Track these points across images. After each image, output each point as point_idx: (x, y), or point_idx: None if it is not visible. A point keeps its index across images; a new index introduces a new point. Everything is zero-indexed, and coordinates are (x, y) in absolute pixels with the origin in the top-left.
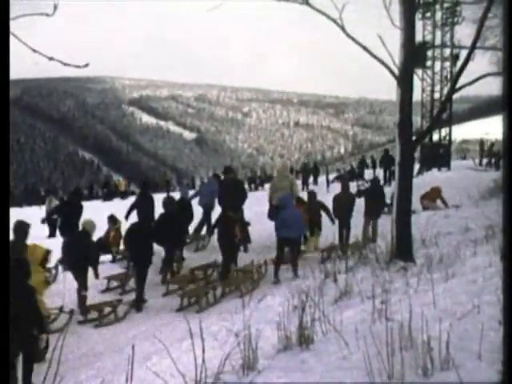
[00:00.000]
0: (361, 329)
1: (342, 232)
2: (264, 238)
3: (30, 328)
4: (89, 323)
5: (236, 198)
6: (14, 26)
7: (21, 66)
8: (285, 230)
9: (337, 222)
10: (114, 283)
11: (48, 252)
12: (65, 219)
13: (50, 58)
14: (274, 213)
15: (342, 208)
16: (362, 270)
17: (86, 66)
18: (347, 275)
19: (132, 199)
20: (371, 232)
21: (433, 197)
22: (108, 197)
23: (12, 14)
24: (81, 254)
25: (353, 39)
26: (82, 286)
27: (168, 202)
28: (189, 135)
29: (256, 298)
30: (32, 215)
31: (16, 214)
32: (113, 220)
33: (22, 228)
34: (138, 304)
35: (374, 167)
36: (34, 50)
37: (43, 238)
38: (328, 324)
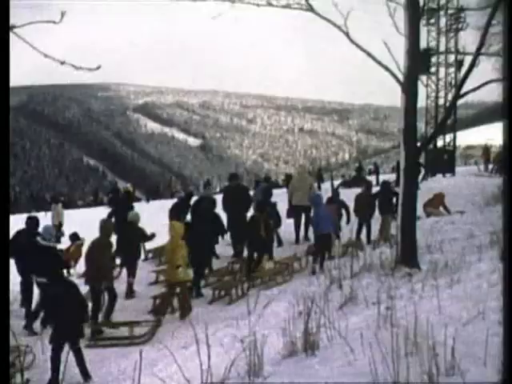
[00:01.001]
0: (366, 335)
1: (361, 230)
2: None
3: None
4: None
5: (241, 204)
6: (19, 31)
7: (26, 72)
8: (320, 226)
9: (356, 220)
10: (162, 277)
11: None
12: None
13: (62, 62)
14: (292, 212)
15: (363, 207)
16: (366, 276)
17: (98, 68)
18: (352, 281)
19: (138, 205)
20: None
21: (436, 203)
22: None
23: (20, 21)
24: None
25: (357, 46)
26: (132, 273)
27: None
28: (194, 142)
29: (261, 303)
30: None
31: (21, 220)
32: (75, 237)
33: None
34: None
35: (378, 173)
36: (46, 55)
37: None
38: (333, 330)
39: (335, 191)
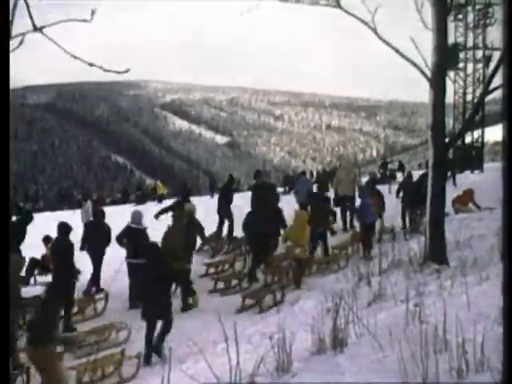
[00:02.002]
0: (395, 332)
1: (405, 216)
2: None
3: None
4: None
5: (268, 201)
6: (47, 30)
7: (54, 71)
8: (363, 216)
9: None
10: (211, 270)
11: None
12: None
13: (91, 64)
14: (338, 202)
15: (407, 194)
16: (395, 273)
17: (127, 71)
18: (381, 278)
19: (168, 202)
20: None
21: (465, 200)
22: (141, 200)
23: (49, 20)
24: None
25: (385, 42)
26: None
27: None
28: (221, 139)
29: (289, 301)
30: (66, 219)
31: (51, 217)
32: (47, 240)
33: None
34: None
35: (403, 170)
36: (75, 57)
37: None
38: (362, 327)
39: (372, 183)
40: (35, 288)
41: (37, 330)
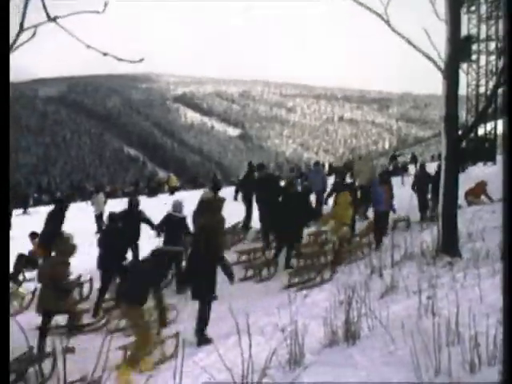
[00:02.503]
0: (407, 324)
1: (421, 206)
2: None
3: None
4: None
5: (269, 194)
6: (61, 21)
7: (66, 63)
8: (378, 204)
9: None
10: (243, 257)
11: None
12: None
13: (105, 54)
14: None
15: (421, 184)
16: (407, 265)
17: (141, 61)
18: (393, 270)
19: (181, 194)
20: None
21: (478, 192)
22: (152, 193)
23: (64, 12)
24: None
25: (398, 33)
26: None
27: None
28: (233, 131)
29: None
30: (79, 211)
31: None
32: (34, 236)
33: None
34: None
35: (416, 162)
36: (89, 46)
37: None
38: (374, 319)
39: (386, 173)
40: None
41: (130, 292)
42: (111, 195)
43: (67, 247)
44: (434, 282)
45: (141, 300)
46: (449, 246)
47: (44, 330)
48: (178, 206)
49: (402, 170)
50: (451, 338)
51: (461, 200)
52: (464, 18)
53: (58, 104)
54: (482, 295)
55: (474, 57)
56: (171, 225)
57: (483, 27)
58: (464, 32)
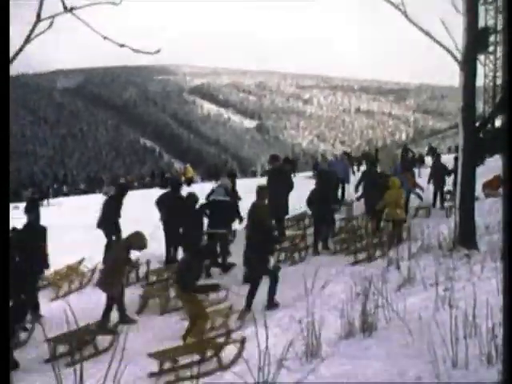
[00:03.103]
0: (424, 316)
1: (436, 196)
2: None
3: None
4: None
5: (281, 188)
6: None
7: (82, 55)
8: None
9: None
10: (285, 244)
11: None
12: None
13: (121, 45)
14: None
15: (437, 175)
16: (424, 257)
17: (157, 52)
18: (410, 262)
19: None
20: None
21: (495, 184)
22: (165, 184)
23: (79, 3)
24: None
25: (415, 24)
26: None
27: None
28: (250, 123)
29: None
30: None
31: (81, 200)
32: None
33: None
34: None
35: (433, 154)
36: (105, 37)
37: None
38: (391, 311)
39: (407, 162)
40: None
41: (184, 279)
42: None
43: (142, 243)
44: (451, 275)
45: (190, 286)
46: (466, 238)
47: (110, 305)
48: (221, 190)
49: (418, 162)
50: (468, 330)
51: (478, 192)
52: (481, 8)
53: (75, 95)
54: (499, 287)
55: (491, 48)
56: (216, 208)
57: (500, 18)
58: (481, 23)
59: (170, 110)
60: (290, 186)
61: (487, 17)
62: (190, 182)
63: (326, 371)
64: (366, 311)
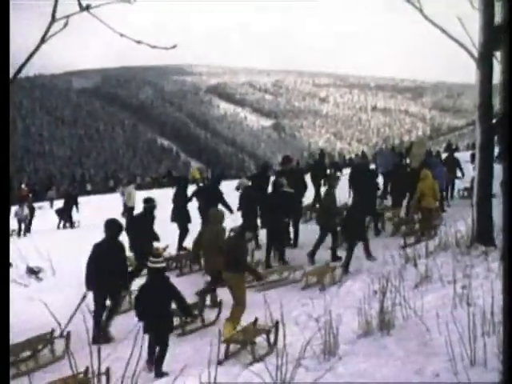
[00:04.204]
0: (442, 314)
1: (448, 188)
2: None
3: None
4: None
5: (295, 189)
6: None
7: (99, 55)
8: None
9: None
10: None
11: None
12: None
13: (138, 42)
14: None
15: (449, 167)
16: (442, 255)
17: (174, 47)
18: (427, 260)
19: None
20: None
21: None
22: (173, 185)
23: (95, 2)
24: None
25: (432, 22)
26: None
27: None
28: (266, 121)
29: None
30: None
31: (99, 200)
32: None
33: None
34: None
35: (455, 150)
36: (122, 35)
37: None
38: (409, 309)
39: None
40: None
41: (232, 260)
42: (144, 187)
43: (221, 217)
44: (468, 272)
45: (237, 269)
46: (483, 235)
47: (214, 286)
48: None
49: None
50: (486, 328)
51: (496, 189)
52: (498, 5)
53: (92, 96)
54: None
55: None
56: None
57: None
58: (498, 20)
59: (186, 109)
60: (305, 187)
61: (504, 13)
62: (196, 183)
63: (343, 370)
64: (383, 309)
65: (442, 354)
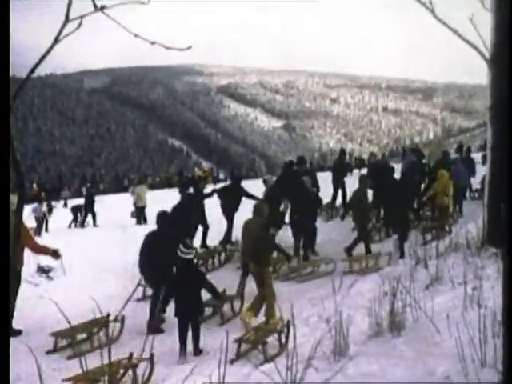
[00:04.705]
0: (452, 315)
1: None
2: None
3: None
4: None
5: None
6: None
7: (110, 55)
8: (458, 180)
9: None
10: None
11: None
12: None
13: (153, 43)
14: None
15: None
16: (453, 256)
17: (189, 48)
18: (438, 261)
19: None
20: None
21: None
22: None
23: (108, 2)
24: None
25: (443, 23)
26: None
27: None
28: (277, 122)
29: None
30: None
31: (112, 199)
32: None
33: None
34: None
35: (461, 152)
36: (136, 35)
37: None
38: (419, 310)
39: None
40: None
41: (259, 255)
42: (156, 187)
43: (265, 209)
44: (479, 273)
45: (262, 261)
46: (494, 236)
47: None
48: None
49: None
50: (497, 330)
51: None
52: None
53: (103, 95)
54: None
55: None
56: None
57: None
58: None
59: (197, 109)
60: (318, 188)
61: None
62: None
63: (353, 370)
64: (393, 310)
65: (453, 355)
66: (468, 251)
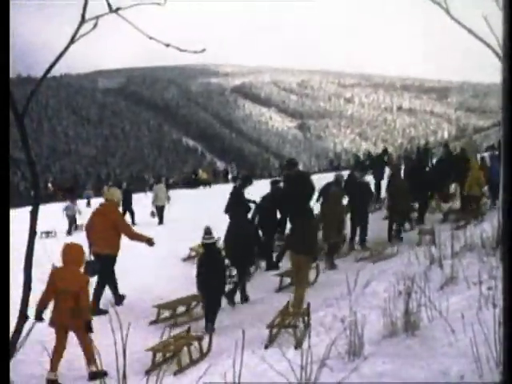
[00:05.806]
0: (467, 315)
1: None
2: None
3: None
4: None
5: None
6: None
7: (125, 55)
8: (493, 178)
9: None
10: None
11: None
12: None
13: (167, 45)
14: None
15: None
16: (468, 256)
17: (203, 51)
18: (453, 261)
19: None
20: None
21: None
22: (193, 184)
23: (122, 3)
24: None
25: (458, 22)
26: None
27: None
28: (291, 122)
29: (361, 283)
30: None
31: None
32: None
33: None
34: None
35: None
36: (151, 37)
37: None
38: (434, 310)
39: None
40: None
41: (301, 244)
42: (173, 186)
43: (340, 196)
44: (494, 273)
45: (307, 250)
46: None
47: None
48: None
49: None
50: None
51: None
52: None
53: (117, 95)
54: None
55: None
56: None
57: None
58: None
59: (211, 109)
60: (312, 189)
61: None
62: (206, 183)
63: (368, 370)
64: (408, 310)
65: (468, 355)
66: (483, 251)
